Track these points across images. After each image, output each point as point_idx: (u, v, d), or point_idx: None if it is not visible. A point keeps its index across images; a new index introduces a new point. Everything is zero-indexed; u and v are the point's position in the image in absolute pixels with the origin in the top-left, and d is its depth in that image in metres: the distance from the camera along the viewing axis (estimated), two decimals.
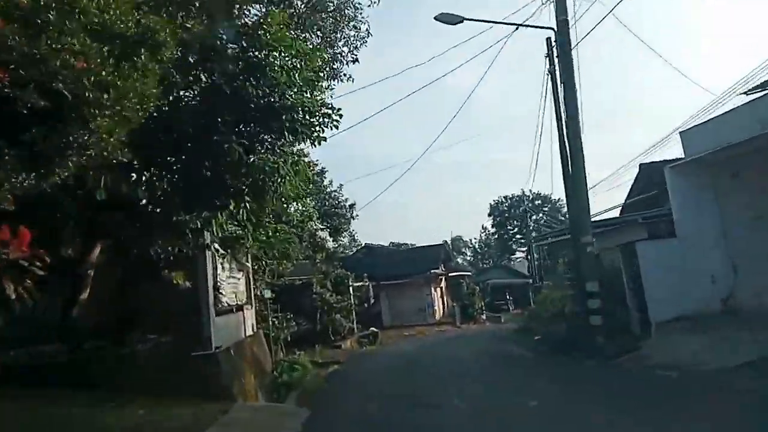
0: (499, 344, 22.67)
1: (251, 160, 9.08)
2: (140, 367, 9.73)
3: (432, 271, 41.22)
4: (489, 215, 61.82)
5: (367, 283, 33.39)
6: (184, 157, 8.70)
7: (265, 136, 9.51)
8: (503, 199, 61.30)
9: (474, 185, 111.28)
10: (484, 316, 42.89)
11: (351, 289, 27.89)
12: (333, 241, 26.34)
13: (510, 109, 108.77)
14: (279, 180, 9.27)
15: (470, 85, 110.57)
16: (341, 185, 27.29)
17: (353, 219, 27.65)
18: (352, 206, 27.67)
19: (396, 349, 24.80)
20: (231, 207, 9.38)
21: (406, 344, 27.17)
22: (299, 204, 21.90)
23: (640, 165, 18.84)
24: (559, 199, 57.78)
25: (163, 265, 11.15)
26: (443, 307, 43.95)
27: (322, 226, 25.02)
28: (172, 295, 11.14)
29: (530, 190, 56.91)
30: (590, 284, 13.12)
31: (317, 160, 27.00)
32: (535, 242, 42.46)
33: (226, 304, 11.40)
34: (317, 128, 9.51)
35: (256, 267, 18.29)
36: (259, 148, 9.49)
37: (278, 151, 9.61)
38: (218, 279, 10.88)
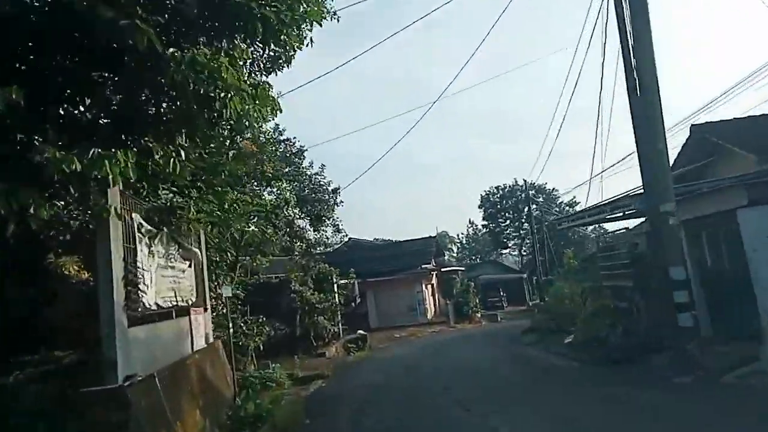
0: (514, 347, 19.09)
1: (173, 53, 5.24)
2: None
3: (423, 266, 37.58)
4: (480, 207, 58.43)
5: (353, 281, 29.57)
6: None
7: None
8: (495, 190, 57.81)
9: (461, 180, 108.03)
10: (479, 315, 39.36)
11: (336, 286, 24.06)
12: (314, 231, 22.45)
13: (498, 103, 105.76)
14: (223, 92, 5.44)
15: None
16: (323, 166, 23.34)
17: (337, 206, 23.75)
18: (335, 191, 23.77)
19: (390, 355, 21.07)
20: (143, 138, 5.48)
21: (401, 349, 23.47)
22: (274, 186, 18.08)
23: (692, 127, 15.33)
24: (554, 188, 54.61)
25: (51, 247, 7.21)
26: (435, 306, 40.33)
27: (300, 214, 21.13)
28: (68, 294, 7.21)
29: (524, 180, 53.51)
30: (676, 270, 9.53)
31: (295, 137, 23.20)
32: (547, 229, 38.94)
33: (154, 306, 7.50)
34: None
35: (218, 259, 14.42)
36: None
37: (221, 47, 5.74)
38: (139, 268, 6.97)
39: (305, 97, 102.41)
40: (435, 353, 20.32)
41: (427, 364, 16.66)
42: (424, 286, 37.91)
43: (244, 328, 14.34)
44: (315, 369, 16.80)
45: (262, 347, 14.89)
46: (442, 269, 39.11)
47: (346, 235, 24.50)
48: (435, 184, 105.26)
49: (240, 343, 13.84)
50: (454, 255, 71.82)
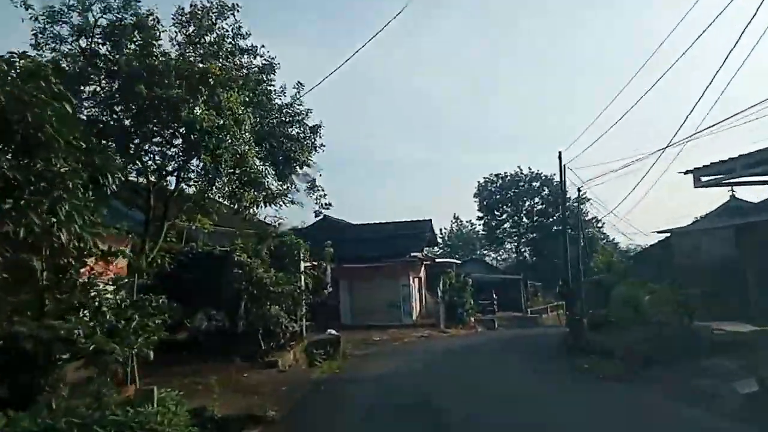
0: (592, 384, 12.01)
1: None
2: None
3: (412, 254, 30.64)
4: (475, 196, 51.80)
5: (326, 265, 22.44)
6: None
7: None
8: (494, 178, 51.14)
9: (444, 173, 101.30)
10: (473, 320, 32.66)
11: (302, 265, 17.08)
12: (280, 181, 15.29)
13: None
14: None
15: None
16: (301, 86, 16.08)
17: (316, 150, 16.64)
18: (315, 129, 16.58)
19: (374, 374, 14.17)
20: None
21: (387, 362, 16.66)
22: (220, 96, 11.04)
23: None
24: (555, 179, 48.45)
25: None
26: (422, 304, 33.50)
27: (261, 151, 14.09)
28: None
29: (528, 168, 47.50)
30: None
31: (263, 46, 16.02)
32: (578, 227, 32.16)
33: None
34: None
35: None
36: None
37: None
38: None
39: None
40: (448, 376, 13.45)
41: (445, 398, 9.78)
42: (411, 279, 31.05)
43: (114, 320, 7.23)
44: (253, 394, 9.81)
45: (150, 357, 7.70)
46: (436, 261, 32.16)
47: (324, 196, 17.14)
48: (426, 178, 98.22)
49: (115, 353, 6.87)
50: (437, 252, 65.26)
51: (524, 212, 50.60)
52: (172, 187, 11.58)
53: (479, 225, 52.34)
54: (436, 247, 64.04)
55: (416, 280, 33.33)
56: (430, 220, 33.24)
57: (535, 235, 50.90)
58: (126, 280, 7.90)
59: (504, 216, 50.98)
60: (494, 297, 42.90)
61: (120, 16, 10.92)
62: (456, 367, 15.65)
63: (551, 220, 50.07)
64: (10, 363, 6.11)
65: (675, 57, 16.98)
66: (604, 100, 69.62)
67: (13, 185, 5.50)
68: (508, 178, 50.54)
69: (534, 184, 49.56)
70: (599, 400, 9.88)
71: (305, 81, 17.45)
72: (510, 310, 43.75)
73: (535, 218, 50.40)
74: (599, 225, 47.90)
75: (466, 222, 62.58)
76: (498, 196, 50.39)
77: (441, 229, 67.00)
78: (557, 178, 35.98)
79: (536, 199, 50.10)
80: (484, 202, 50.84)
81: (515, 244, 51.66)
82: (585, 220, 47.14)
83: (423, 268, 34.39)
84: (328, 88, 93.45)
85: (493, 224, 51.35)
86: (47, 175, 5.70)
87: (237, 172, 11.96)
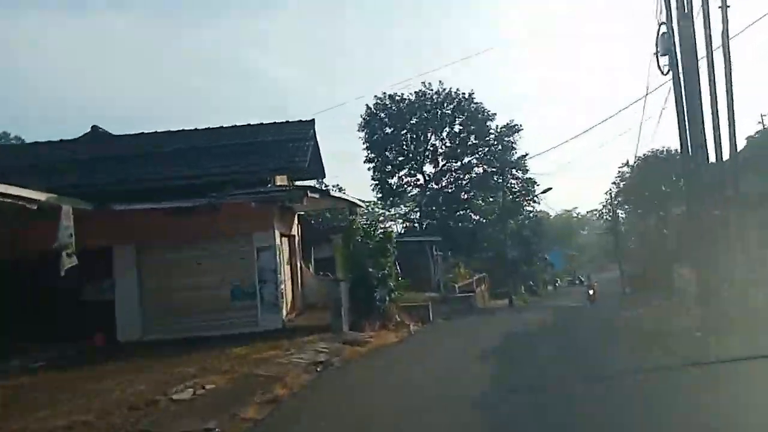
0: None
1: None
2: None
3: (278, 188, 14.55)
4: (361, 129, 36.27)
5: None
6: None
7: None
8: (387, 101, 35.85)
9: None
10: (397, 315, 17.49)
11: None
12: None
13: None
14: None
15: None
16: None
17: None
18: None
19: None
20: None
21: None
22: None
23: None
24: (476, 100, 34.52)
25: None
26: (298, 289, 17.62)
27: None
28: None
29: (440, 84, 33.18)
30: None
31: None
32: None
33: None
34: None
35: None
36: None
37: None
38: None
39: None
40: None
41: None
42: (277, 236, 14.98)
43: None
44: None
45: None
46: (330, 194, 15.98)
47: None
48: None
49: None
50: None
51: (428, 153, 36.57)
52: None
53: (368, 170, 37.34)
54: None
55: (288, 240, 17.33)
56: (312, 122, 17.09)
57: (446, 183, 37.22)
58: None
59: (401, 158, 36.49)
60: (397, 269, 27.73)
61: None
62: None
63: (470, 159, 36.66)
64: None
65: None
66: None
67: None
68: (407, 102, 35.91)
69: (447, 107, 35.66)
70: None
71: None
72: (420, 287, 29.52)
73: (444, 163, 36.73)
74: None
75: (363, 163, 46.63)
76: (392, 129, 35.63)
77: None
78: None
79: (449, 131, 36.34)
80: (374, 137, 35.87)
81: (417, 198, 37.50)
82: (510, 160, 34.75)
83: (297, 224, 18.41)
84: None
85: (388, 169, 36.63)
86: None
87: None
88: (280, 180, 16.19)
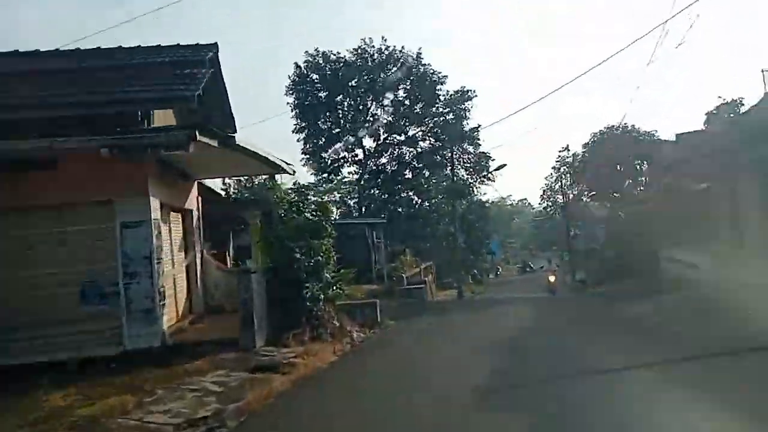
0: None
1: None
2: None
3: (170, 135, 9.40)
4: (289, 92, 30.80)
5: None
6: None
7: None
8: (320, 60, 30.42)
9: None
10: (336, 321, 12.77)
11: None
12: None
13: None
14: None
15: None
16: None
17: None
18: None
19: None
20: None
21: None
22: None
23: None
24: (425, 62, 30.01)
25: None
26: (191, 284, 12.51)
27: None
28: None
29: (383, 40, 28.42)
30: None
31: None
32: None
33: None
34: None
35: None
36: None
37: None
38: None
39: None
40: None
41: None
42: (154, 208, 9.86)
43: None
44: None
45: None
46: (245, 148, 10.90)
47: None
48: None
49: None
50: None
51: (370, 122, 31.76)
52: None
53: (298, 141, 31.80)
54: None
55: (181, 216, 12.28)
56: (214, 45, 11.95)
57: (388, 159, 32.60)
58: None
59: (337, 129, 31.34)
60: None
61: None
62: None
63: (416, 132, 32.12)
64: None
65: None
66: None
67: None
68: (344, 61, 30.77)
69: (389, 69, 30.89)
70: None
71: None
72: (360, 278, 24.96)
73: (386, 136, 31.99)
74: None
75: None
76: (326, 94, 30.38)
77: None
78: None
79: (392, 97, 31.68)
80: (305, 103, 30.56)
81: (355, 175, 32.63)
82: (464, 131, 30.59)
83: (197, 196, 13.29)
84: None
85: (322, 142, 31.46)
86: None
87: None
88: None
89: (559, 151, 57.22)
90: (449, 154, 29.13)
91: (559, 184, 57.74)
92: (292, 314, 11.14)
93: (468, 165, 32.07)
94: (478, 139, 31.29)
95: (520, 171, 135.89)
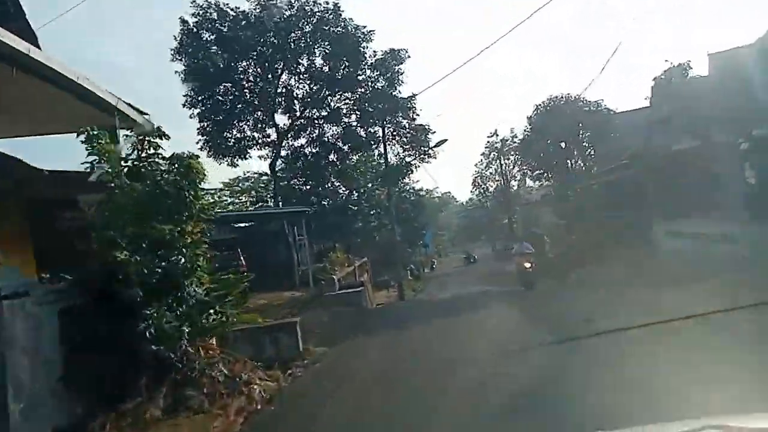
0: None
1: None
2: None
3: None
4: (177, 56, 24.33)
5: None
6: None
7: None
8: (213, 12, 23.58)
9: None
10: (224, 369, 7.21)
11: None
12: None
13: None
14: None
15: None
16: None
17: None
18: None
19: None
20: None
21: None
22: None
23: None
24: (343, 12, 24.58)
25: None
26: None
27: None
28: None
29: None
30: None
31: None
32: None
33: None
34: None
35: None
36: None
37: None
38: None
39: None
40: None
41: None
42: None
43: None
44: None
45: None
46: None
47: None
48: None
49: None
50: None
51: (284, 95, 25.75)
52: None
53: (192, 118, 25.30)
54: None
55: None
56: None
57: (308, 141, 26.78)
58: None
59: (240, 104, 25.17)
60: (240, 260, 17.21)
61: None
62: None
63: (339, 105, 26.47)
64: None
65: None
66: None
67: None
68: (244, 17, 24.35)
69: (300, 27, 24.83)
70: None
71: None
72: (278, 284, 19.48)
73: (303, 110, 26.16)
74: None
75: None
76: (226, 57, 23.95)
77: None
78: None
79: (308, 63, 25.72)
80: (198, 70, 24.09)
81: (267, 160, 26.52)
82: (397, 99, 25.28)
83: None
84: None
85: (220, 117, 25.05)
86: None
87: None
88: None
89: (488, 137, 54.07)
90: (381, 131, 24.06)
91: (491, 170, 54.70)
92: (121, 370, 5.65)
93: (404, 142, 27.03)
94: (415, 109, 26.28)
95: (444, 165, 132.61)
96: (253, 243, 22.83)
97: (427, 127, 26.48)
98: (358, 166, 28.60)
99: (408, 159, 27.15)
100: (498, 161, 52.27)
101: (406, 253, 39.15)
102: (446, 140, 26.14)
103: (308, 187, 28.15)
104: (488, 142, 51.84)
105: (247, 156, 26.31)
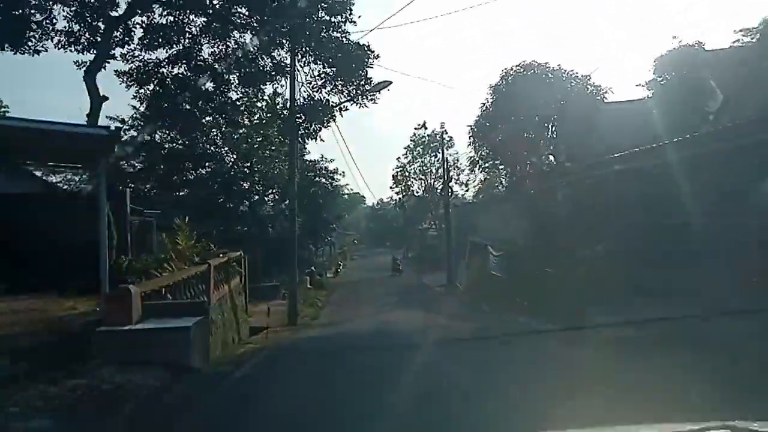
0: None
1: None
2: None
3: None
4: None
5: None
6: None
7: None
8: None
9: None
10: None
11: None
12: None
13: None
14: None
15: None
16: None
17: None
18: None
19: None
20: None
21: None
22: None
23: None
24: None
25: None
26: None
27: None
28: None
29: None
30: None
31: None
32: None
33: None
34: None
35: None
36: None
37: None
38: None
39: None
40: None
41: None
42: None
43: None
44: None
45: None
46: None
47: None
48: None
49: None
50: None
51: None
52: None
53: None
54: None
55: None
56: None
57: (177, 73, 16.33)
58: None
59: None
60: None
61: None
62: None
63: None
64: None
65: None
66: None
67: None
68: None
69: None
70: None
71: None
72: (48, 287, 9.53)
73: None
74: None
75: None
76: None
77: None
78: None
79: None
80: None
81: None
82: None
83: None
84: None
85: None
86: None
87: None
88: None
89: (416, 128, 46.58)
90: (289, 47, 14.36)
91: (416, 165, 46.81)
92: None
93: (327, 66, 16.96)
94: (350, 16, 16.27)
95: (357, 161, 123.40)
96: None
97: (366, 47, 16.41)
98: (249, 104, 18.63)
99: (330, 97, 17.20)
100: (428, 155, 45.05)
101: (307, 250, 29.75)
102: (390, 82, 16.58)
103: (165, 133, 17.69)
104: (414, 134, 45.31)
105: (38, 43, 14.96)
